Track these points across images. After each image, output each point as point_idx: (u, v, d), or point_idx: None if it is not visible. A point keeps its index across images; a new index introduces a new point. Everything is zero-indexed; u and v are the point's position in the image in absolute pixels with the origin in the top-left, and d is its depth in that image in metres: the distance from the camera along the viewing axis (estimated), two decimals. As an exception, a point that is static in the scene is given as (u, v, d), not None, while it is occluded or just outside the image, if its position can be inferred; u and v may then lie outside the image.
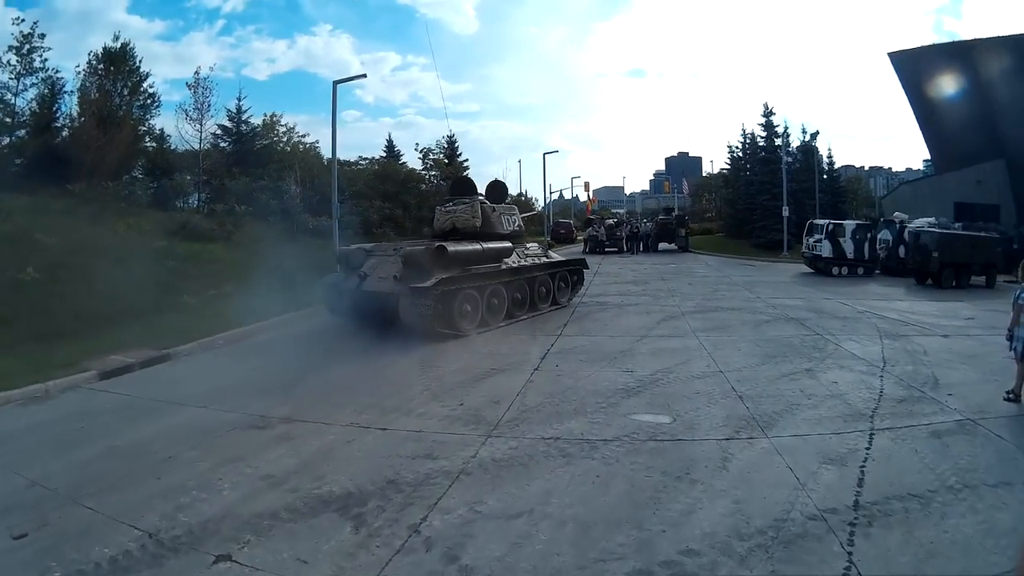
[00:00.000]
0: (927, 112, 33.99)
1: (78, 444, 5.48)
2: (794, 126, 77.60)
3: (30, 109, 20.81)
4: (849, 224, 21.19)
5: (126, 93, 22.46)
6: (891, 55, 35.06)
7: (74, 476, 4.72)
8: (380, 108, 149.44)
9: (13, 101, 20.26)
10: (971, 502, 4.03)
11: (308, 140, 30.23)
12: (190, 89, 23.60)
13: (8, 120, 20.16)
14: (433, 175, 33.11)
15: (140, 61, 22.95)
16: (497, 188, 13.61)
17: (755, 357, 8.28)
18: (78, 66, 22.02)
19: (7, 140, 20.44)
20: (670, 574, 3.30)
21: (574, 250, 29.25)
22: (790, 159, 34.04)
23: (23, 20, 20.26)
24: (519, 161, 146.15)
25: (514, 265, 11.54)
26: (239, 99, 26.20)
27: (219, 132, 25.66)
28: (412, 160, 34.51)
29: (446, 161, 34.49)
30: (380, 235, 20.80)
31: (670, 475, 4.52)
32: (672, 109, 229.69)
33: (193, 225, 18.13)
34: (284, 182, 22.36)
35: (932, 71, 32.34)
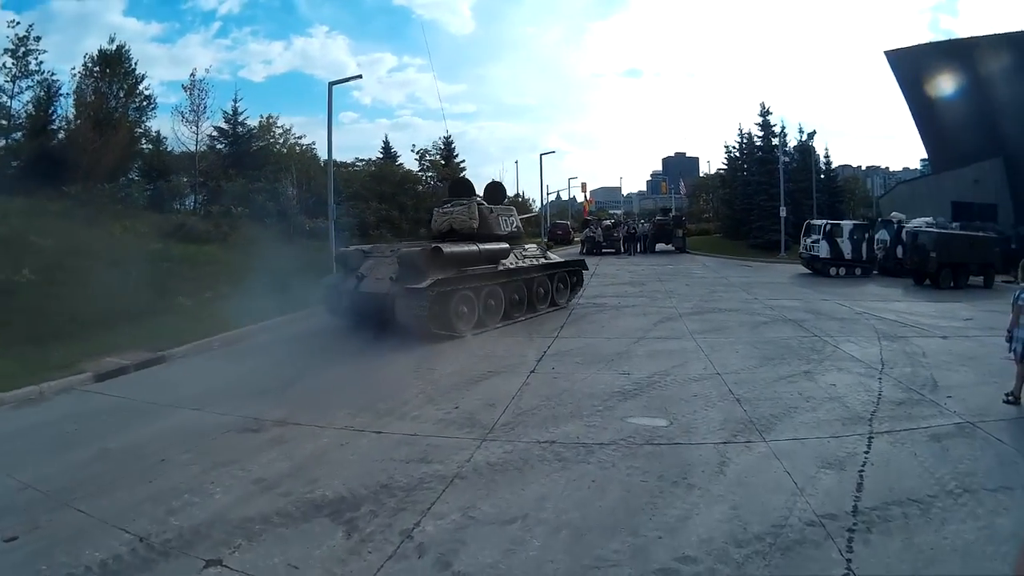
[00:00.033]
0: (924, 111, 33.93)
1: (71, 446, 5.46)
2: (791, 126, 77.97)
3: (26, 112, 20.91)
4: (847, 224, 21.17)
5: (122, 95, 22.49)
6: (888, 54, 35.02)
7: (67, 479, 4.70)
8: (377, 109, 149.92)
9: (9, 104, 20.36)
10: (971, 507, 3.98)
11: (305, 142, 30.21)
12: (186, 91, 23.71)
13: (4, 122, 20.20)
14: (430, 176, 33.11)
15: (136, 63, 23.09)
16: (495, 189, 13.62)
17: (753, 359, 8.24)
18: (74, 68, 22.09)
19: (3, 142, 20.49)
20: (666, 581, 3.25)
21: (571, 251, 29.22)
22: (787, 159, 34.01)
23: (18, 23, 20.29)
24: (516, 162, 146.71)
25: (511, 266, 11.52)
26: (235, 101, 26.26)
27: (215, 134, 25.74)
28: (409, 161, 34.58)
29: (443, 162, 34.49)
30: (376, 237, 20.78)
31: (666, 480, 4.47)
32: (669, 109, 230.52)
33: (189, 227, 18.11)
34: (280, 184, 22.36)
35: (929, 70, 32.29)
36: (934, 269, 17.43)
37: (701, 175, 62.26)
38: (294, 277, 13.12)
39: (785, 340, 9.50)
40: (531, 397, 6.60)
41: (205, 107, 23.79)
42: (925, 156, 40.76)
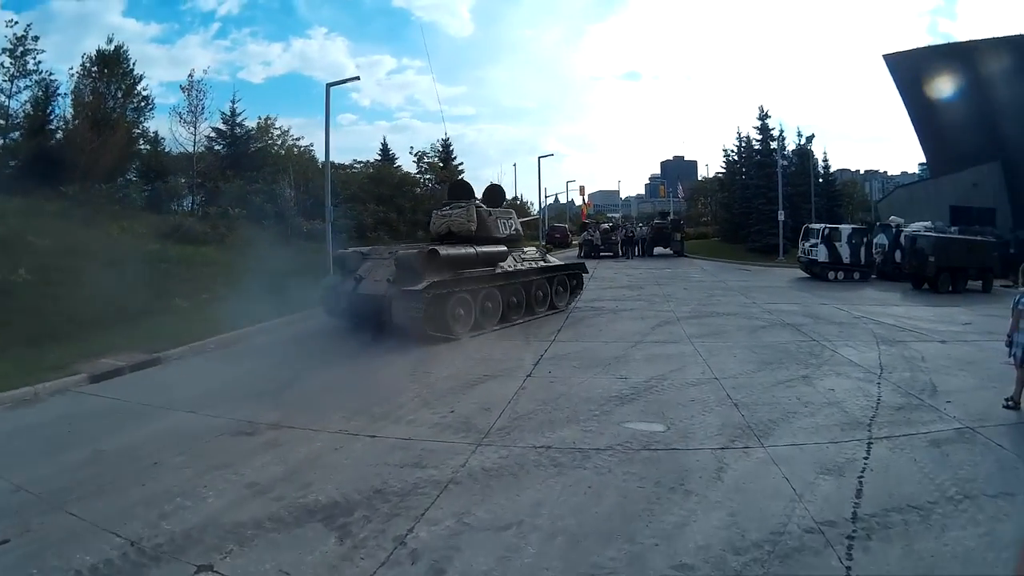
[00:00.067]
0: (923, 115, 34.02)
1: (65, 448, 5.42)
2: (789, 129, 77.72)
3: (24, 111, 20.85)
4: (845, 228, 21.20)
5: (120, 96, 22.46)
6: (886, 57, 35.16)
7: (59, 481, 4.66)
8: (375, 111, 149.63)
9: (7, 103, 20.29)
10: (971, 513, 3.95)
11: (303, 143, 30.05)
12: (184, 92, 23.55)
13: (2, 122, 20.14)
14: (428, 179, 33.07)
15: (134, 63, 23.05)
16: (494, 192, 13.65)
17: (751, 364, 8.21)
18: (72, 68, 22.03)
19: (0, 142, 20.36)
20: (663, 589, 3.22)
21: (569, 254, 29.22)
22: (785, 163, 34.09)
23: (17, 23, 20.26)
24: (514, 165, 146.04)
25: (509, 269, 11.50)
26: (233, 102, 26.16)
27: (213, 135, 25.61)
28: (407, 163, 34.48)
29: (441, 164, 34.45)
30: (374, 239, 20.73)
31: (664, 486, 4.43)
32: (667, 112, 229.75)
33: (187, 228, 18.05)
34: (278, 185, 22.29)
35: (927, 73, 32.38)
36: (932, 273, 17.45)
37: (699, 179, 62.16)
38: (291, 279, 13.09)
39: (783, 344, 9.48)
40: (527, 401, 6.56)
41: (203, 108, 23.67)
42: (923, 160, 40.96)
